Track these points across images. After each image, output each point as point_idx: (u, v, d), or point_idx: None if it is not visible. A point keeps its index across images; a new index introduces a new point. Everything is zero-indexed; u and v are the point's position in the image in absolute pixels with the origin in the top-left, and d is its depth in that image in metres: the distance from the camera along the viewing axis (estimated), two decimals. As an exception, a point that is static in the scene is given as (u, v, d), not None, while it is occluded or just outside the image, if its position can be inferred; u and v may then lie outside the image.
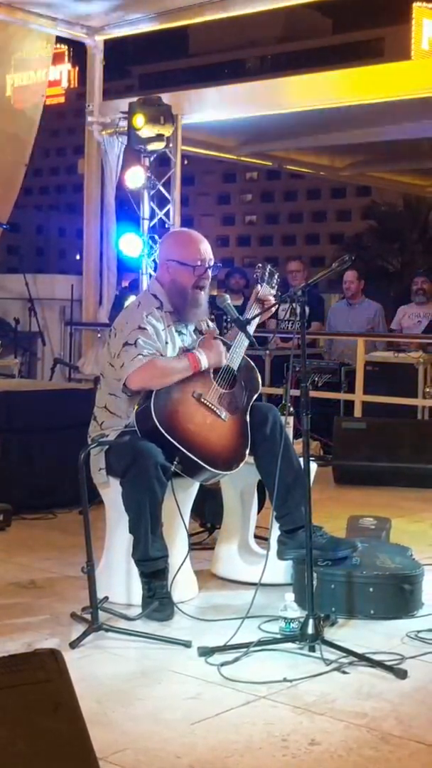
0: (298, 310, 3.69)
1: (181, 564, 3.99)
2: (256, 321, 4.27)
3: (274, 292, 4.36)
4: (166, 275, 4.18)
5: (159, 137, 8.89)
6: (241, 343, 4.18)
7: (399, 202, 30.39)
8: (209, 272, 4.17)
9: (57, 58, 12.68)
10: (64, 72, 14.78)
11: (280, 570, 4.19)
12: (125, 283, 10.42)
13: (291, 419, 4.37)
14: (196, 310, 4.18)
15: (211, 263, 4.18)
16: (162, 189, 9.45)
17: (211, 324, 4.38)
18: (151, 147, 8.99)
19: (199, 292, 4.15)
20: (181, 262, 4.14)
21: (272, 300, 4.35)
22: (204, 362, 4.02)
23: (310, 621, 3.46)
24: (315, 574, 3.65)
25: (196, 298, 4.15)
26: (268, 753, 2.69)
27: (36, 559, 4.74)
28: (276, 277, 4.41)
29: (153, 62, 76.81)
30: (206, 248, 4.18)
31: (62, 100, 15.76)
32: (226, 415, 4.04)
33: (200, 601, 4.12)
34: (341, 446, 7.18)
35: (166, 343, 4.08)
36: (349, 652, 3.39)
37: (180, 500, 3.97)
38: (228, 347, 4.16)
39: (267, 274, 4.37)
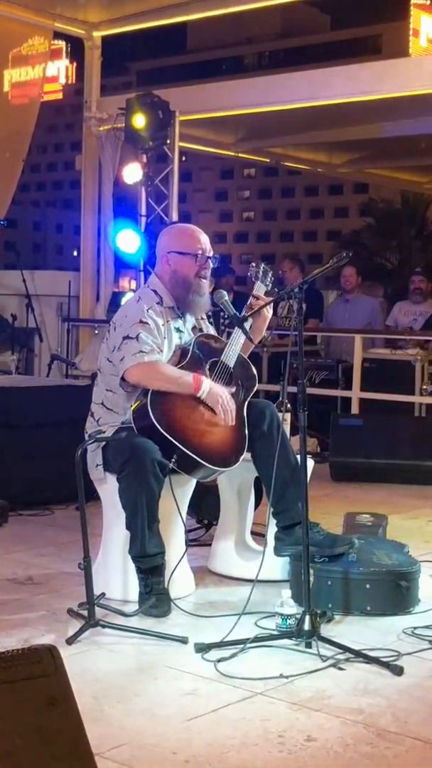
0: (296, 307, 3.69)
1: (179, 561, 3.99)
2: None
3: (268, 289, 4.36)
4: (167, 268, 4.18)
5: (157, 134, 8.90)
6: (238, 340, 4.18)
7: (396, 199, 30.36)
8: (210, 263, 4.18)
9: (55, 54, 12.63)
10: (62, 68, 14.71)
11: (276, 566, 4.19)
12: (124, 284, 10.43)
13: (288, 416, 4.37)
14: (199, 299, 4.17)
15: (211, 254, 4.19)
16: (159, 185, 9.45)
17: (210, 327, 4.38)
18: (149, 143, 8.99)
19: (201, 281, 4.15)
20: (182, 252, 4.14)
21: (266, 298, 4.34)
22: (205, 391, 3.97)
23: (307, 617, 3.46)
24: (312, 571, 3.65)
25: (199, 287, 4.15)
26: (264, 749, 2.69)
27: (33, 555, 4.74)
28: (270, 274, 4.41)
29: (151, 58, 76.75)
30: (206, 240, 4.20)
31: (60, 96, 15.70)
32: (223, 411, 4.04)
33: (197, 598, 4.12)
34: (338, 443, 7.19)
35: (164, 338, 4.07)
36: (346, 649, 3.39)
37: (177, 497, 3.97)
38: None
39: (261, 272, 4.37)
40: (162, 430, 3.81)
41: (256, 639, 3.48)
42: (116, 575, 4.02)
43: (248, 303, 4.32)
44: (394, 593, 3.90)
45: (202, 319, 4.32)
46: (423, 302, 9.10)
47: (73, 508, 5.42)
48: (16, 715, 1.74)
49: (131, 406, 3.99)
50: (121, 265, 10.21)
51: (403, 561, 4.04)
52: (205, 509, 4.95)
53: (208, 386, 3.98)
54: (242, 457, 4.04)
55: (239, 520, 4.52)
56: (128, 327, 4.00)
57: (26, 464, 5.74)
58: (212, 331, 4.39)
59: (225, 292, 4.29)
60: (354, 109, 9.18)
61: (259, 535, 4.59)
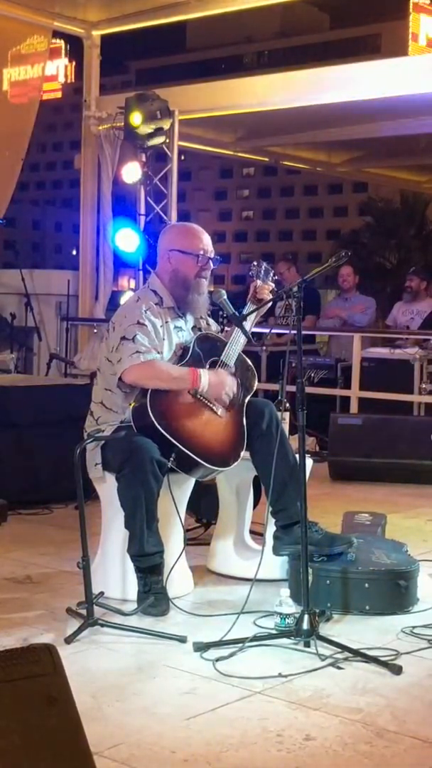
0: (294, 306, 3.69)
1: (177, 559, 3.99)
2: (253, 317, 4.28)
3: (270, 288, 4.36)
4: (167, 266, 4.18)
5: (156, 133, 8.90)
6: (238, 339, 4.18)
7: (396, 199, 30.43)
8: (211, 263, 4.19)
9: (54, 53, 12.64)
10: (61, 67, 14.71)
11: (275, 565, 4.19)
12: (123, 283, 10.45)
13: (287, 415, 4.37)
14: (199, 297, 4.18)
15: (212, 255, 4.19)
16: (159, 184, 9.45)
17: (211, 322, 4.38)
18: (148, 143, 8.99)
19: (201, 281, 4.16)
20: (184, 251, 4.15)
21: (267, 296, 4.34)
22: (204, 385, 3.97)
23: (306, 616, 3.46)
24: (310, 570, 3.65)
25: (199, 285, 4.16)
26: (263, 748, 2.69)
27: (32, 554, 4.74)
28: (271, 273, 4.41)
29: (150, 57, 76.72)
30: (208, 240, 4.21)
31: (59, 95, 15.71)
32: (222, 411, 4.05)
33: (195, 597, 4.12)
34: (337, 442, 7.19)
35: (163, 339, 4.08)
36: (344, 648, 3.39)
37: (176, 496, 3.97)
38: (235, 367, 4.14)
39: (262, 271, 4.37)
40: (161, 429, 3.82)
41: (255, 638, 3.48)
42: (115, 574, 4.02)
43: (251, 293, 4.32)
44: (392, 592, 3.90)
45: (201, 318, 4.32)
46: (414, 301, 9.11)
47: (72, 507, 5.41)
48: (15, 713, 1.74)
49: (130, 405, 3.99)
50: (120, 264, 10.20)
51: (402, 560, 4.04)
52: (203, 508, 4.95)
53: (207, 381, 3.98)
54: (241, 456, 4.04)
55: (238, 519, 4.52)
56: (126, 328, 4.01)
57: (25, 463, 5.74)
58: (213, 327, 4.38)
59: (224, 291, 4.29)
60: (353, 108, 9.17)
61: (257, 534, 4.59)
